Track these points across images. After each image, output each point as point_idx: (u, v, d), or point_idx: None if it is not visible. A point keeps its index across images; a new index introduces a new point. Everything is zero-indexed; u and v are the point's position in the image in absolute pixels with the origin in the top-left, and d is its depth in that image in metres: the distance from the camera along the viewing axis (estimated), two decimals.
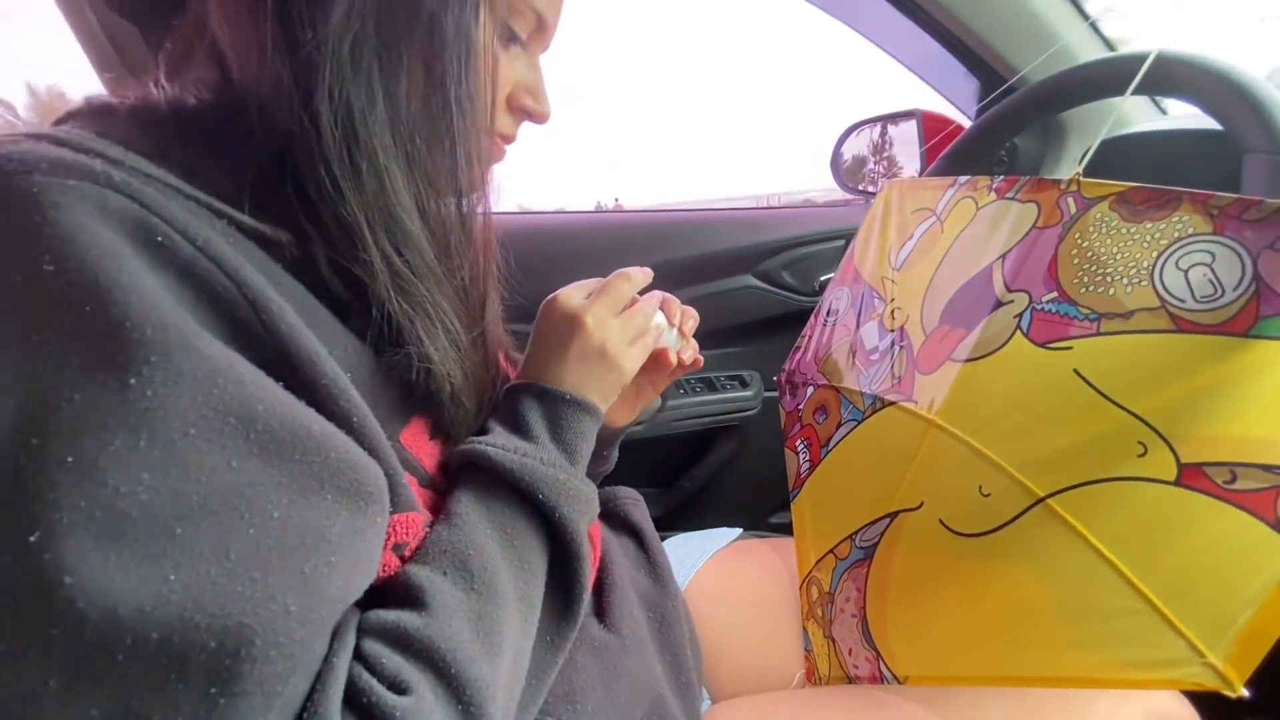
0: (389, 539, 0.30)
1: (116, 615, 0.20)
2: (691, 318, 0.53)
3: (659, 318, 0.50)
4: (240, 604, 0.22)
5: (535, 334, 0.44)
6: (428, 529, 0.33)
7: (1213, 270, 0.39)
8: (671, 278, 0.93)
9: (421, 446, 0.35)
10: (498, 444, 0.35)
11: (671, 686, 0.45)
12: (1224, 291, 0.38)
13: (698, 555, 0.65)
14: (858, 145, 1.36)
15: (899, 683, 0.47)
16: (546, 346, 0.42)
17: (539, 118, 0.40)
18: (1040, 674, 0.39)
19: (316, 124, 0.28)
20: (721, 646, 0.57)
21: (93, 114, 0.30)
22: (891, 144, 1.31)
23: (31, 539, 0.19)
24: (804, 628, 0.57)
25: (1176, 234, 0.41)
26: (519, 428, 0.38)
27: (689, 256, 0.91)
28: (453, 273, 0.34)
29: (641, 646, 0.45)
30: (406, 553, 0.31)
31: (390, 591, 0.30)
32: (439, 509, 0.34)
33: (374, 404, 0.30)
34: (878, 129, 1.28)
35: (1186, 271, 0.40)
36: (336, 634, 0.26)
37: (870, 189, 1.27)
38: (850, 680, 0.51)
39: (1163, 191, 0.42)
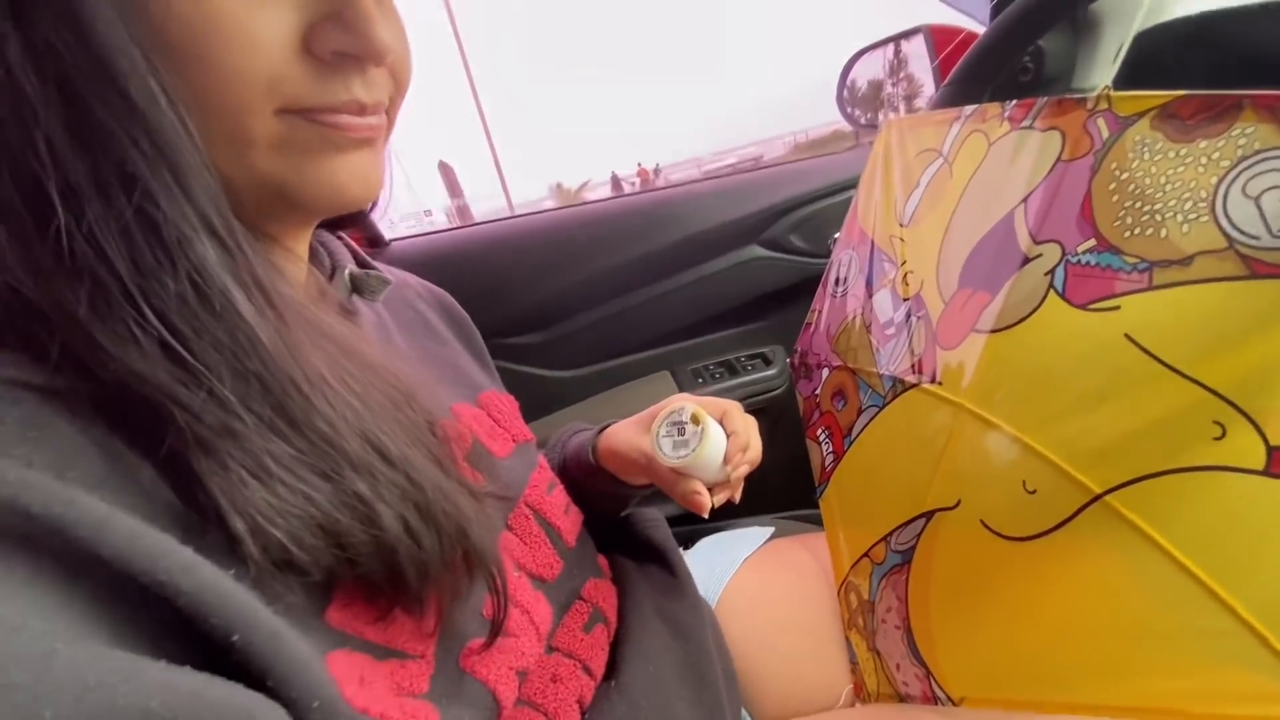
0: None
1: None
2: (751, 464, 0.46)
3: (717, 445, 0.43)
4: None
5: None
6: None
7: None
8: (672, 263, 0.87)
9: (361, 618, 0.26)
10: None
11: None
12: None
13: (727, 565, 0.61)
14: (870, 69, 1.25)
15: (954, 704, 0.42)
16: None
17: (365, 56, 0.26)
18: (1109, 701, 0.34)
19: None
20: (760, 665, 0.53)
21: None
22: (909, 61, 1.19)
23: None
24: (847, 638, 0.52)
25: (1240, 151, 0.33)
26: None
27: (686, 236, 0.84)
28: (227, 387, 0.22)
29: (664, 709, 0.40)
30: None
31: None
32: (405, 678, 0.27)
33: (275, 590, 0.22)
34: (890, 50, 1.16)
35: (1258, 198, 0.32)
36: None
37: (893, 114, 1.16)
38: (901, 698, 0.46)
39: (1217, 98, 0.34)
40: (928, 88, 1.11)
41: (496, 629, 0.32)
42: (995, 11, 0.77)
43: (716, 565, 0.61)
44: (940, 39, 0.92)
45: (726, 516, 0.70)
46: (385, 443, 0.25)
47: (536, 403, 0.85)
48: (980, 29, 0.87)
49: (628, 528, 0.56)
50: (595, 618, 0.42)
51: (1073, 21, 0.80)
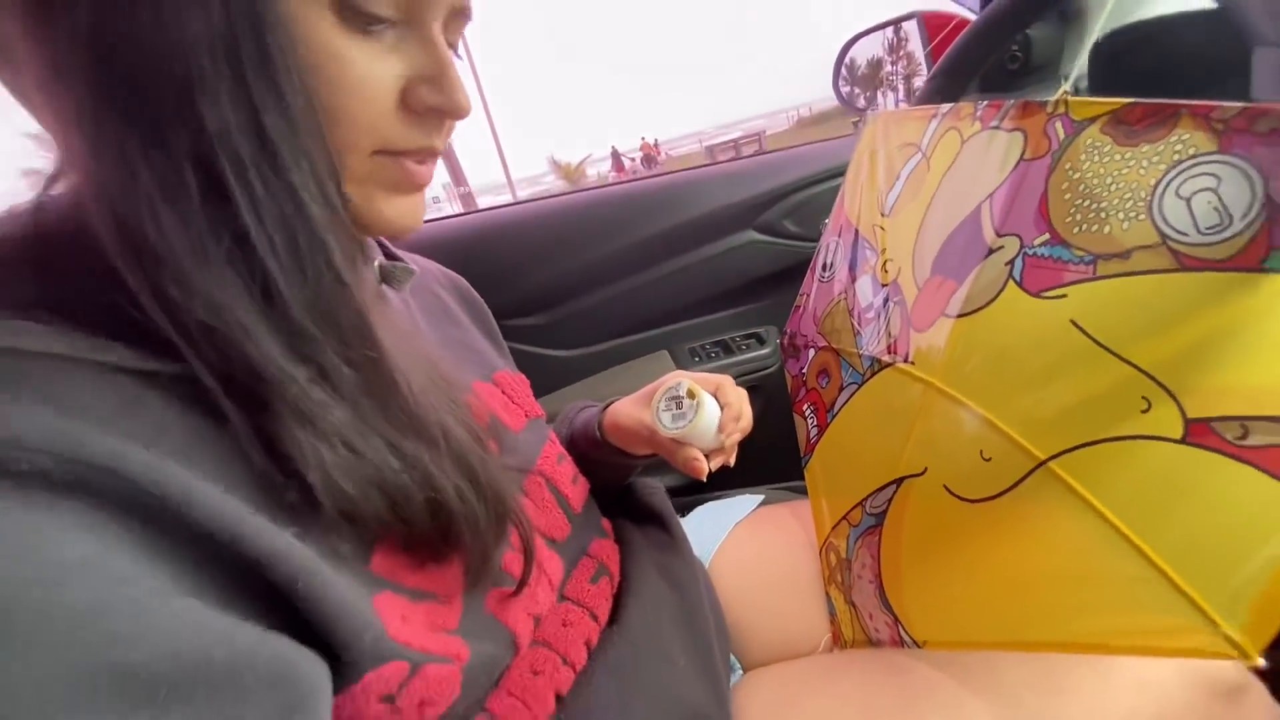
0: (375, 692, 0.27)
1: None
2: (743, 431, 0.51)
3: (711, 416, 0.47)
4: None
5: None
6: (428, 665, 0.29)
7: (1218, 196, 0.35)
8: (669, 247, 0.91)
9: (401, 567, 0.30)
10: None
11: (698, 676, 0.46)
12: (1231, 220, 0.34)
13: (720, 529, 0.66)
14: (869, 48, 1.26)
15: (918, 646, 0.47)
16: None
17: (452, 112, 0.30)
18: (1049, 639, 0.38)
19: (113, 228, 0.24)
20: (749, 618, 0.58)
21: None
22: (908, 39, 1.21)
23: None
24: (827, 593, 0.57)
25: (1176, 156, 0.37)
26: None
27: (683, 221, 0.88)
28: (323, 368, 0.26)
29: (662, 650, 0.45)
30: (406, 703, 0.29)
31: None
32: (444, 622, 0.31)
33: (331, 542, 0.26)
34: (890, 29, 1.18)
35: (1189, 200, 0.36)
36: None
37: (892, 94, 1.18)
38: (873, 643, 0.51)
39: (1159, 106, 0.37)
40: (925, 67, 1.13)
41: (524, 579, 0.37)
42: (985, 1, 0.80)
43: (710, 529, 0.66)
44: (933, 25, 0.94)
45: (720, 487, 0.76)
46: (442, 417, 0.30)
47: (542, 381, 0.90)
48: (972, 16, 0.89)
49: (630, 495, 0.61)
50: (600, 571, 0.47)
51: (1060, 12, 0.82)
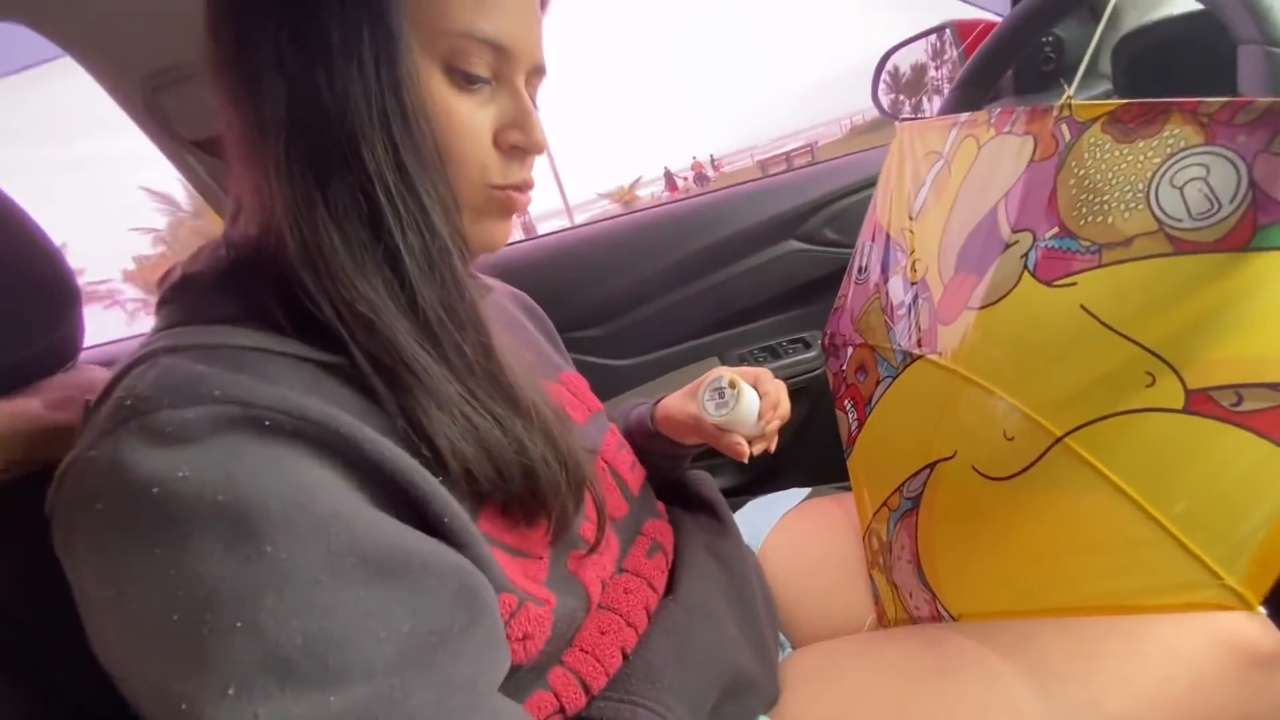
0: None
1: None
2: (781, 418, 0.56)
3: (751, 403, 0.53)
4: (385, 708, 0.26)
5: None
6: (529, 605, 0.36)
7: (1208, 184, 0.38)
8: (716, 260, 0.97)
9: (501, 528, 0.37)
10: None
11: (747, 645, 0.51)
12: (1220, 205, 0.37)
13: (769, 519, 0.70)
14: (913, 55, 1.28)
15: (954, 620, 0.50)
16: None
17: (533, 150, 0.38)
18: (1070, 604, 0.41)
19: (284, 245, 0.32)
20: (797, 601, 0.62)
21: (183, 288, 0.36)
22: (950, 45, 1.23)
23: (229, 692, 0.25)
24: (870, 576, 0.61)
25: (1169, 149, 0.40)
26: None
27: (727, 235, 0.94)
28: (442, 354, 0.34)
29: (713, 617, 0.50)
30: (512, 634, 0.35)
31: None
32: (537, 592, 0.38)
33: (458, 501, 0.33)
34: (933, 38, 1.20)
35: (1182, 189, 0.39)
36: None
37: (938, 98, 1.20)
38: (914, 620, 0.54)
39: (1152, 105, 0.41)
40: None
41: (599, 540, 0.44)
42: (1012, 3, 0.82)
43: (760, 520, 0.70)
44: (965, 32, 0.97)
45: (771, 486, 0.80)
46: (534, 396, 0.38)
47: (601, 388, 0.96)
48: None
49: (683, 485, 0.66)
50: (655, 548, 0.53)
51: (1091, 9, 0.84)
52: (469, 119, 0.35)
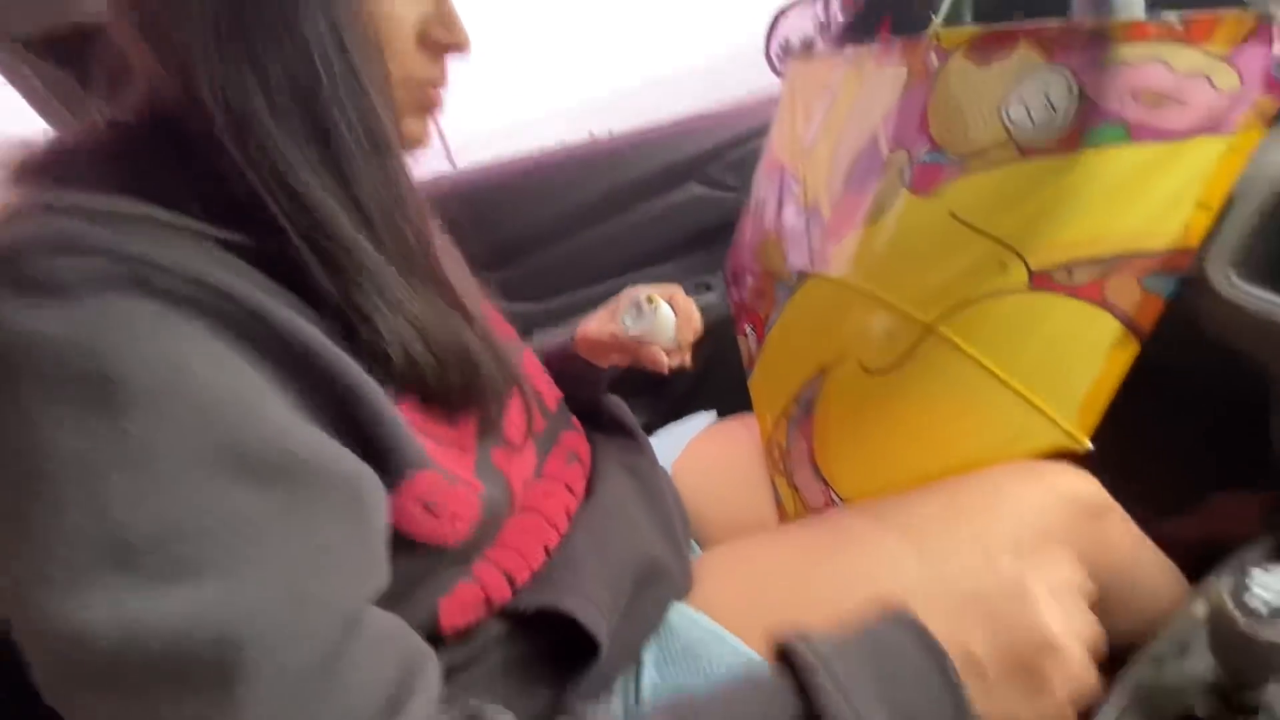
0: (417, 495, 0.34)
1: (129, 632, 0.23)
2: (695, 332, 0.59)
3: (667, 317, 0.55)
4: (239, 619, 0.24)
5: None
6: (453, 486, 0.36)
7: (1048, 97, 0.44)
8: (616, 204, 0.98)
9: (426, 419, 0.37)
10: (839, 685, 0.29)
11: (660, 538, 0.54)
12: (1057, 114, 0.43)
13: (678, 443, 0.73)
14: (800, 26, 1.34)
15: (843, 502, 0.55)
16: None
17: (457, 48, 0.37)
18: (943, 468, 0.47)
19: (210, 121, 0.30)
20: (706, 511, 0.66)
21: (54, 160, 0.32)
22: (836, 16, 1.29)
23: (57, 574, 0.23)
24: (772, 482, 0.65)
25: (1018, 70, 0.46)
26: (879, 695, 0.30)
27: (630, 180, 0.96)
28: (382, 242, 0.33)
29: (628, 515, 0.53)
30: (441, 512, 0.35)
31: None
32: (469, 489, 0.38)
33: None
34: (820, 5, 1.26)
35: (1027, 103, 0.45)
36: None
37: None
38: (811, 511, 0.60)
39: (1005, 33, 0.47)
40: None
41: (529, 429, 0.46)
42: None
43: (670, 444, 0.73)
44: None
45: (679, 415, 0.83)
46: (470, 300, 0.38)
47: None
48: None
49: (598, 410, 0.68)
50: (572, 457, 0.54)
51: None
52: (399, 9, 0.35)
